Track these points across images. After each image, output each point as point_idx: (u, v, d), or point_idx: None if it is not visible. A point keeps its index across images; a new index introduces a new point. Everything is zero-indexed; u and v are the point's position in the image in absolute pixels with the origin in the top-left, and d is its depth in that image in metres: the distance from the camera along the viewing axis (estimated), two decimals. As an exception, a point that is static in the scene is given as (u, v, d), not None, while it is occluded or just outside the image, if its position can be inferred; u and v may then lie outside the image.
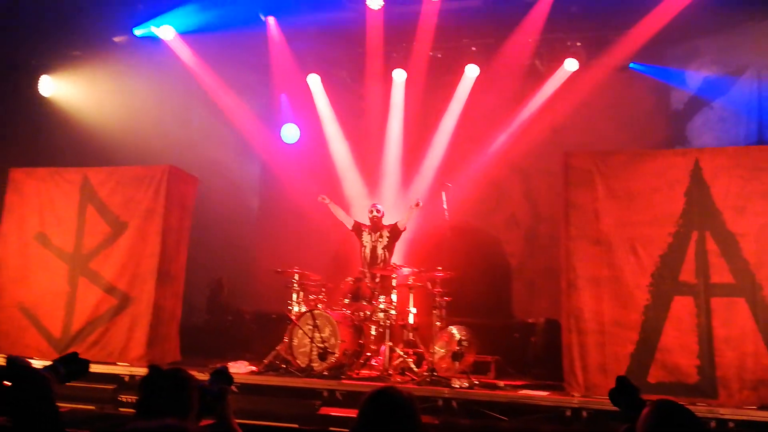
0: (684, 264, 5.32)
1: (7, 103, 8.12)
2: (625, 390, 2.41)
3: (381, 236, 7.10)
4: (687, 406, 2.02)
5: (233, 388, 3.23)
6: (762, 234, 5.23)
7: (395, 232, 7.11)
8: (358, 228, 7.25)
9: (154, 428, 1.78)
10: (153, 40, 8.17)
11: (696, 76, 7.89)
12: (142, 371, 2.55)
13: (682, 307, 5.23)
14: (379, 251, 7.06)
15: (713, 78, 7.69)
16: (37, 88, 8.36)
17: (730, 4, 6.86)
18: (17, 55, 8.15)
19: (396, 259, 7.28)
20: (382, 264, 6.96)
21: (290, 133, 9.40)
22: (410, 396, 2.14)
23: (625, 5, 7.22)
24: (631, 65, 7.98)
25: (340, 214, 7.33)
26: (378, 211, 7.15)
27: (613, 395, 2.41)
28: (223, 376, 3.20)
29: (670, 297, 5.30)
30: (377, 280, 6.77)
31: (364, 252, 7.12)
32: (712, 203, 5.37)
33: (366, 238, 7.16)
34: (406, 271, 6.68)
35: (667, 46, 7.88)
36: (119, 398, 5.81)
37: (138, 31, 8.13)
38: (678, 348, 5.17)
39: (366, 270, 6.98)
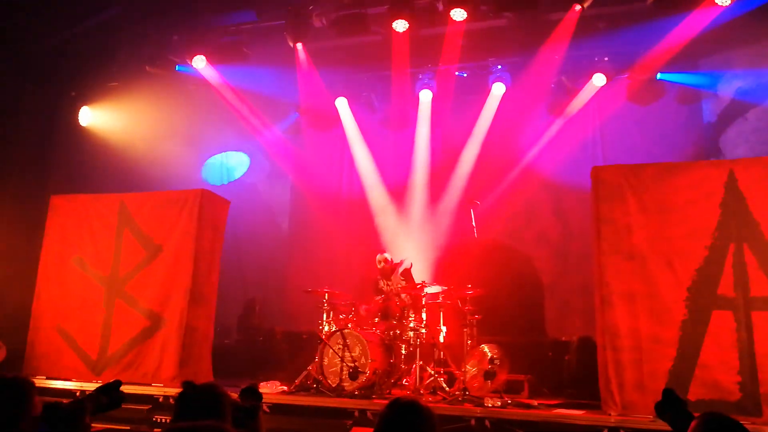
0: (722, 277, 5.16)
1: (49, 134, 8.50)
2: (671, 402, 2.36)
3: (397, 282, 7.05)
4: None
5: (264, 407, 3.25)
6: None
7: (407, 274, 7.10)
8: (375, 284, 7.19)
9: (196, 427, 1.81)
10: (185, 68, 8.46)
11: (729, 86, 7.74)
12: (175, 391, 2.60)
13: (722, 322, 5.05)
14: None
15: (747, 88, 7.54)
16: (77, 119, 8.71)
17: (762, 13, 6.75)
18: (59, 88, 8.55)
19: (425, 277, 7.25)
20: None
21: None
22: (427, 405, 2.19)
23: (654, 19, 7.14)
24: (660, 76, 7.87)
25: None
26: (386, 261, 7.12)
27: (659, 408, 2.37)
28: (252, 394, 3.23)
29: (708, 311, 5.13)
30: (405, 298, 6.75)
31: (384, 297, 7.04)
32: (749, 214, 5.21)
33: (382, 283, 7.10)
34: (435, 289, 6.64)
35: (698, 57, 7.77)
36: (153, 418, 5.88)
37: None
38: (718, 364, 4.98)
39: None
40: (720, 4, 6.57)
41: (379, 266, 7.17)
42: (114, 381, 2.70)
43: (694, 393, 4.99)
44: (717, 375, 4.98)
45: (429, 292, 6.63)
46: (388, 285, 7.10)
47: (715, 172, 5.49)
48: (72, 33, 8.07)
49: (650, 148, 7.88)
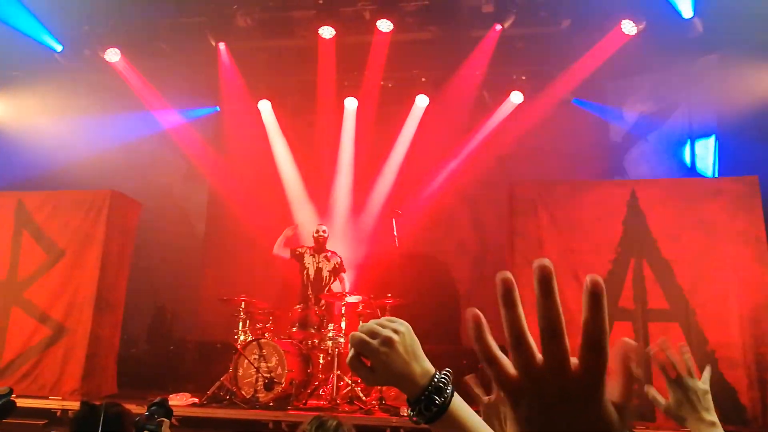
0: (623, 290, 5.52)
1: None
2: None
3: (327, 259, 7.04)
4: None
5: (174, 421, 3.13)
6: (695, 261, 5.49)
7: (336, 270, 7.07)
8: (296, 254, 7.11)
9: None
10: (98, 61, 7.99)
11: (632, 111, 8.30)
12: (75, 405, 2.46)
13: (621, 333, 5.39)
14: (324, 274, 6.98)
15: (648, 113, 8.11)
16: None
17: (663, 44, 7.28)
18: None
19: (346, 285, 7.23)
20: (327, 288, 6.90)
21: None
22: (349, 424, 2.19)
23: (567, 43, 7.56)
24: (574, 101, 8.33)
25: (281, 247, 7.10)
26: (324, 231, 7.08)
27: None
28: (161, 409, 3.08)
29: (610, 323, 5.37)
30: (323, 306, 6.70)
31: (307, 273, 6.99)
32: (648, 232, 5.61)
33: (308, 260, 7.03)
34: (355, 298, 6.63)
35: (606, 81, 8.27)
36: (50, 435, 5.49)
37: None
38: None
39: (311, 294, 6.88)
40: (627, 33, 7.04)
41: (315, 235, 7.03)
42: (5, 388, 2.51)
43: (596, 399, 5.27)
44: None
45: (349, 301, 6.60)
46: (315, 260, 6.99)
47: (619, 191, 5.88)
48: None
49: (561, 165, 8.27)
